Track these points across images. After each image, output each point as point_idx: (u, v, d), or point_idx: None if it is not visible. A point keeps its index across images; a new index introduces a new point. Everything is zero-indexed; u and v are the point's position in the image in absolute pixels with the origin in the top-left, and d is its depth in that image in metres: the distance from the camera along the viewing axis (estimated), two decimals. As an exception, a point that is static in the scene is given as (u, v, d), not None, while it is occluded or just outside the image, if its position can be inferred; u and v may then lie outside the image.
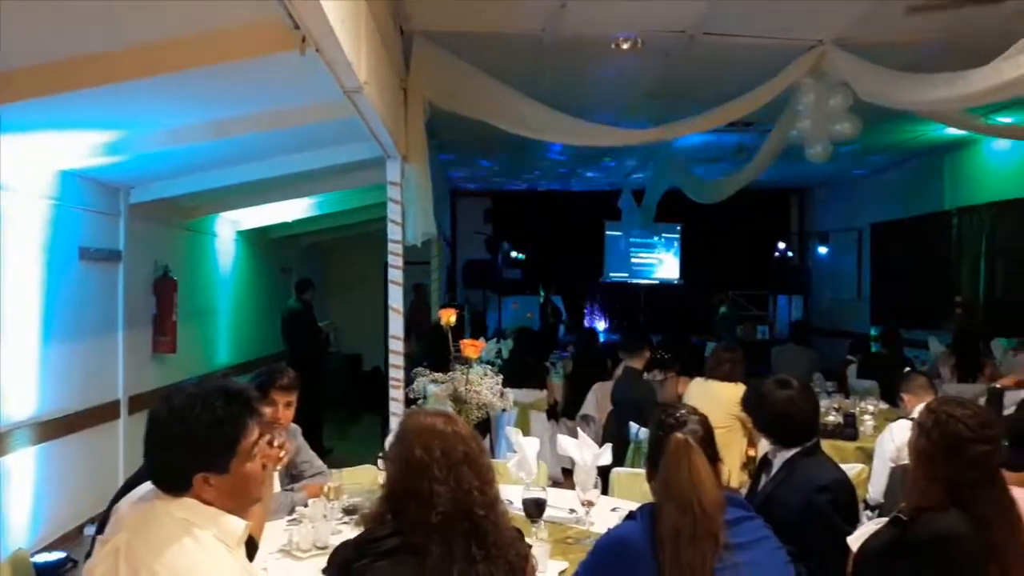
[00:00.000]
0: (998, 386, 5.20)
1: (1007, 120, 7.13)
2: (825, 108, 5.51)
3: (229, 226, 8.12)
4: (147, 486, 1.81)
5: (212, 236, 7.76)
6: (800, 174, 11.70)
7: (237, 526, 1.76)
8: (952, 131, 7.91)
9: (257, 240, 8.99)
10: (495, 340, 8.95)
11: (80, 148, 4.71)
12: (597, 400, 6.32)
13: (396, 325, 5.05)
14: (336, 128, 4.78)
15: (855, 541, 2.45)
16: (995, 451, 2.26)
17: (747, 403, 3.00)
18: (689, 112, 5.89)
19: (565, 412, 6.91)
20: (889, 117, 6.54)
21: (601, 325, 14.19)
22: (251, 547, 2.16)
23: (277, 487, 3.17)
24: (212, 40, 3.23)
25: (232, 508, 1.76)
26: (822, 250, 13.15)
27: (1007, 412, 4.83)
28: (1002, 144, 8.50)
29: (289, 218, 8.42)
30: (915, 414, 2.52)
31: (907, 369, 5.95)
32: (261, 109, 4.47)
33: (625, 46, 5.40)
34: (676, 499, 2.09)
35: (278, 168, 5.87)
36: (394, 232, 5.06)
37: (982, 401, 5.05)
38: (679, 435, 2.18)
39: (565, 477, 5.58)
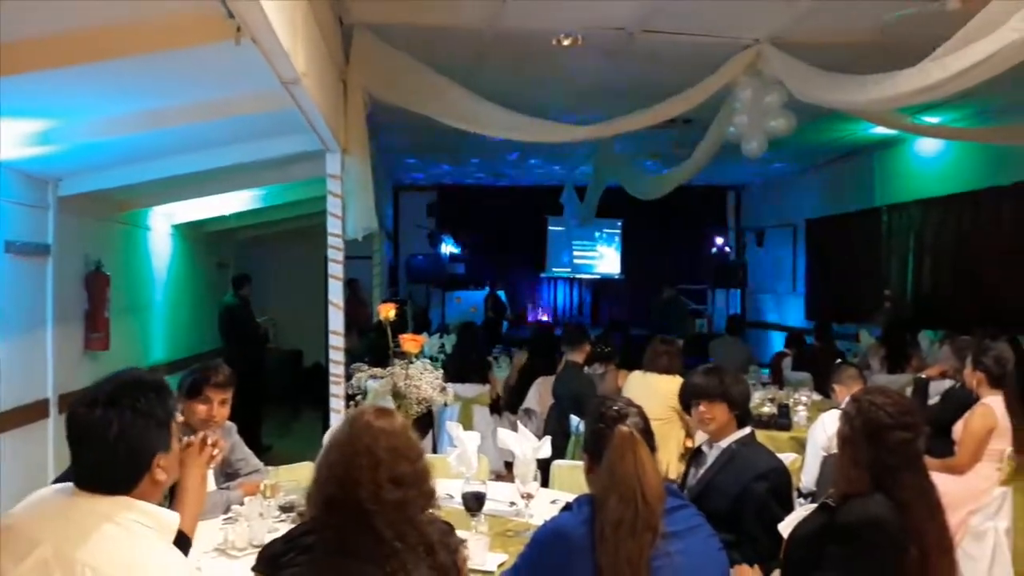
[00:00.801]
0: (924, 376, 5.38)
1: (934, 120, 7.38)
2: (761, 104, 5.62)
3: (164, 220, 7.92)
4: (38, 495, 1.77)
5: (146, 230, 7.56)
6: (737, 171, 11.91)
7: (171, 518, 1.76)
8: (881, 130, 8.14)
9: (193, 234, 8.79)
10: (439, 335, 8.93)
11: (6, 138, 4.53)
12: (539, 394, 6.35)
13: (336, 320, 5.01)
14: (274, 120, 4.69)
15: (786, 527, 2.52)
16: (915, 438, 2.34)
17: (721, 378, 3.23)
18: (629, 109, 5.95)
19: (510, 406, 6.92)
20: (822, 115, 6.71)
21: (544, 318, 14.27)
22: (184, 545, 2.12)
23: (212, 485, 3.12)
24: (145, 28, 3.15)
25: (163, 490, 1.81)
26: (758, 246, 13.42)
27: (932, 401, 5.01)
28: (928, 144, 8.78)
29: (226, 212, 8.23)
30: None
31: (839, 361, 6.12)
32: (197, 99, 4.36)
33: (566, 43, 5.43)
34: (620, 491, 2.10)
35: (214, 160, 5.73)
36: (334, 226, 5.00)
37: (909, 391, 5.24)
38: (623, 427, 2.19)
39: (507, 471, 5.59)
